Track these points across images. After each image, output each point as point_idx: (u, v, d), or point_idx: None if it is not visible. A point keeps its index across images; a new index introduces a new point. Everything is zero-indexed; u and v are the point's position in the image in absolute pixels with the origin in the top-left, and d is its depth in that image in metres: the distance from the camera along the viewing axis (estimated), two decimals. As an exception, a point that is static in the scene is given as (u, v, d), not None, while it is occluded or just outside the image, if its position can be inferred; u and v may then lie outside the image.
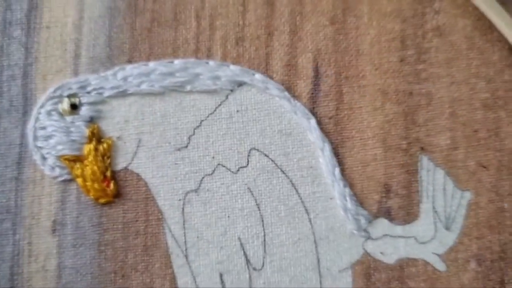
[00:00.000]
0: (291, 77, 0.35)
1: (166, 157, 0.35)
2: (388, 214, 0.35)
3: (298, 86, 0.35)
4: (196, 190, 0.35)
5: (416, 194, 0.35)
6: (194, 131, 0.35)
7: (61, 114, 0.35)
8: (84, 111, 0.35)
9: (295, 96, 0.35)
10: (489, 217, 0.35)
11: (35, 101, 0.35)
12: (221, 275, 0.34)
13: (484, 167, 0.35)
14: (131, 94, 0.35)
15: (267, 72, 0.35)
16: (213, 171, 0.35)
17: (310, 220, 0.34)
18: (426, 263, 0.34)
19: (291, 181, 0.35)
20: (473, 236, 0.34)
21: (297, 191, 0.35)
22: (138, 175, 0.35)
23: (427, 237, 0.34)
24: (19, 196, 0.34)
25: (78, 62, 0.36)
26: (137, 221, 0.34)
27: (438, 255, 0.34)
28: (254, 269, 0.34)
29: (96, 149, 0.34)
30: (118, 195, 0.35)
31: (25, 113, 0.35)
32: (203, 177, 0.35)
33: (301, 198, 0.35)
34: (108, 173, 0.34)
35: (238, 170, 0.35)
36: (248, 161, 0.35)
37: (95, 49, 0.36)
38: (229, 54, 0.36)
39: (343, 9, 0.36)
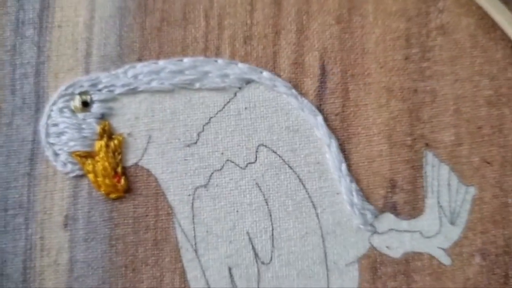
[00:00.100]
0: (298, 75, 0.36)
1: (175, 153, 0.35)
2: (394, 209, 0.35)
3: (305, 83, 0.36)
4: (205, 186, 0.35)
5: (421, 189, 0.35)
6: (203, 128, 0.36)
7: (72, 111, 0.35)
8: (95, 108, 0.35)
9: (302, 93, 0.36)
10: (494, 212, 0.35)
11: (47, 98, 0.36)
12: (230, 269, 0.35)
13: (488, 163, 0.35)
14: (141, 92, 0.36)
15: (274, 70, 0.36)
16: (222, 166, 0.35)
17: (317, 215, 0.35)
18: (432, 257, 0.35)
19: (298, 176, 0.35)
20: (478, 231, 0.35)
21: (304, 186, 0.35)
22: (148, 170, 0.35)
23: (432, 231, 0.35)
24: (31, 192, 0.35)
25: (89, 61, 0.36)
26: (147, 216, 0.35)
27: (443, 249, 0.35)
28: (263, 263, 0.35)
29: (107, 146, 0.35)
30: (128, 190, 0.35)
31: (38, 110, 0.36)
32: (212, 173, 0.35)
33: (308, 193, 0.35)
34: (119, 169, 0.35)
35: (246, 165, 0.35)
36: (256, 157, 0.35)
37: (106, 48, 0.36)
38: (237, 53, 0.36)
39: (348, 9, 0.37)
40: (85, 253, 0.35)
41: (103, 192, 0.35)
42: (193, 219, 0.35)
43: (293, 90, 0.36)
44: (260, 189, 0.35)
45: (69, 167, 0.35)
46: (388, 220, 0.35)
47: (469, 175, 0.35)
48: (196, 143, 0.35)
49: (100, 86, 0.36)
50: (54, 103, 0.36)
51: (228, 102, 0.36)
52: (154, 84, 0.36)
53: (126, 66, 0.36)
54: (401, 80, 0.36)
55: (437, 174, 0.35)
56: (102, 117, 0.35)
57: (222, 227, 0.35)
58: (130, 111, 0.36)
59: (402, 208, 0.35)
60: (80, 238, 0.35)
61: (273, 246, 0.35)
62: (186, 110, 0.36)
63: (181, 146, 0.35)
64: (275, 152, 0.35)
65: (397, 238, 0.35)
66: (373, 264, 0.35)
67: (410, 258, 0.35)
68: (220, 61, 0.36)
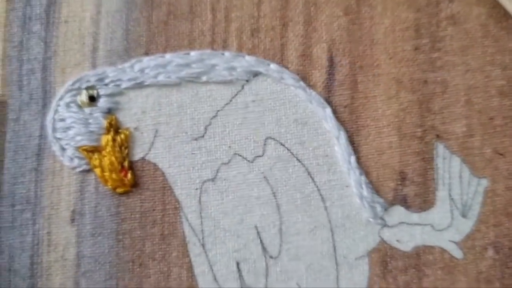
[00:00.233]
0: (306, 67, 0.36)
1: (183, 147, 0.35)
2: (404, 202, 0.35)
3: (313, 75, 0.36)
4: (212, 179, 0.35)
5: (432, 182, 0.35)
6: (210, 121, 0.35)
7: (79, 106, 0.35)
8: (102, 102, 0.35)
9: (310, 85, 0.36)
10: (506, 204, 0.35)
11: (54, 93, 0.36)
12: (238, 264, 0.34)
13: (501, 154, 0.35)
14: (148, 86, 0.36)
15: (282, 62, 0.36)
16: (230, 160, 0.35)
17: (326, 208, 0.35)
18: (443, 251, 0.34)
19: (307, 169, 0.35)
20: (490, 224, 0.34)
21: (313, 179, 0.35)
22: (155, 165, 0.35)
23: (444, 224, 0.34)
24: (38, 187, 0.35)
25: (96, 55, 0.36)
26: (154, 210, 0.35)
27: (455, 242, 0.34)
28: (271, 257, 0.34)
29: (114, 140, 0.35)
30: (135, 185, 0.35)
31: (45, 105, 0.36)
32: (219, 166, 0.35)
33: (317, 186, 0.35)
34: (126, 163, 0.35)
35: (254, 159, 0.35)
36: (264, 150, 0.35)
37: (113, 43, 0.36)
38: (245, 45, 0.36)
39: (357, -1, 0.36)
40: (92, 248, 0.35)
41: (110, 186, 0.35)
42: (200, 213, 0.35)
43: (301, 82, 0.35)
44: (268, 182, 0.35)
45: (76, 161, 0.35)
46: (399, 213, 0.35)
47: (481, 167, 0.35)
48: (203, 136, 0.35)
49: (106, 81, 0.36)
50: (61, 98, 0.36)
51: (236, 95, 0.36)
52: (161, 78, 0.36)
53: (132, 60, 0.36)
54: (411, 71, 0.35)
55: (448, 166, 0.35)
56: (109, 111, 0.35)
57: (229, 221, 0.35)
58: (137, 105, 0.36)
59: (413, 201, 0.35)
60: (87, 233, 0.35)
61: (281, 240, 0.34)
62: (193, 104, 0.36)
63: (188, 140, 0.35)
64: (283, 145, 0.35)
65: (408, 232, 0.34)
66: (384, 258, 0.34)
67: (421, 252, 0.34)
68: (227, 54, 0.36)
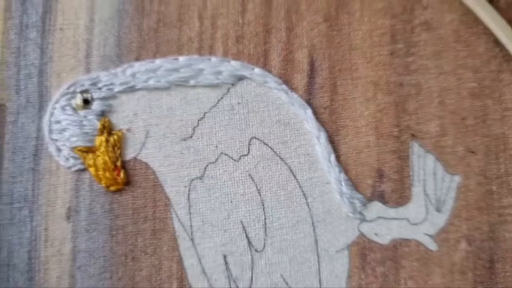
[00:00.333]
0: (288, 71, 0.37)
1: (172, 147, 0.37)
2: (381, 198, 0.36)
3: (294, 79, 0.37)
4: (200, 177, 0.36)
5: (407, 179, 0.36)
6: (198, 123, 0.37)
7: (74, 109, 0.37)
8: (96, 105, 0.37)
9: (292, 88, 0.37)
10: (478, 199, 0.36)
11: (50, 97, 0.37)
12: (225, 257, 0.36)
13: (472, 152, 0.36)
14: (139, 89, 0.37)
15: (265, 66, 0.37)
16: (217, 159, 0.37)
17: (308, 204, 0.36)
18: (419, 243, 0.36)
19: (289, 167, 0.36)
20: (463, 218, 0.36)
21: (295, 177, 0.36)
22: (146, 164, 0.37)
23: (419, 218, 0.36)
24: (36, 186, 0.36)
25: (90, 61, 0.38)
26: (146, 207, 0.36)
27: (429, 235, 0.36)
28: (256, 250, 0.36)
29: (107, 141, 0.36)
30: (128, 183, 0.36)
31: (41, 108, 0.37)
32: (207, 165, 0.36)
33: (299, 184, 0.36)
34: (119, 163, 0.36)
35: (239, 158, 0.37)
36: (249, 150, 0.37)
37: (106, 49, 0.38)
38: (230, 51, 0.38)
39: (336, 7, 0.38)
40: (87, 243, 0.36)
41: (103, 185, 0.36)
42: (189, 209, 0.36)
43: (284, 86, 0.37)
44: (253, 180, 0.36)
45: (71, 161, 0.36)
46: (376, 208, 0.36)
47: (454, 164, 0.36)
48: (191, 137, 0.37)
49: (100, 85, 0.37)
50: (56, 102, 0.37)
51: (222, 98, 0.37)
52: (151, 82, 0.37)
53: (124, 65, 0.37)
54: (387, 74, 0.37)
55: (423, 164, 0.36)
56: (102, 114, 0.37)
57: (217, 216, 0.36)
58: (129, 108, 0.37)
59: (390, 197, 0.36)
60: (82, 229, 0.36)
61: (266, 234, 0.36)
62: (182, 106, 0.37)
63: (177, 140, 0.37)
64: (267, 145, 0.37)
65: (385, 226, 0.36)
66: (363, 251, 0.36)
67: (398, 245, 0.36)
68: (213, 59, 0.37)
